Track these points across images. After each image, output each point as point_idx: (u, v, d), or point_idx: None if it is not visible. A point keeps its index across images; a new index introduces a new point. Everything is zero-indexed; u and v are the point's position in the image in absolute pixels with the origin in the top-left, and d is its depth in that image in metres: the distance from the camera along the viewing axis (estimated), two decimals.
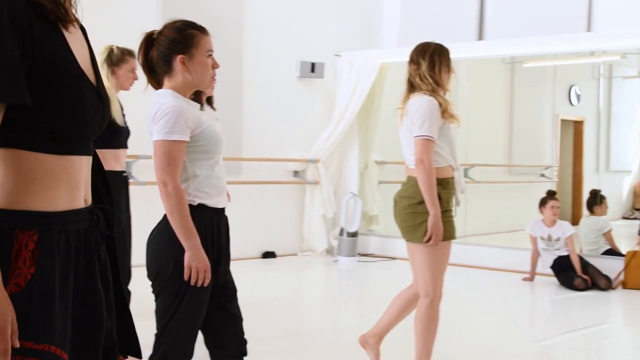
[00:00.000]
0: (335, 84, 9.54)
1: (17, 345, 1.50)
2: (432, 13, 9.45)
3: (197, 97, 5.06)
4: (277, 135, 9.23)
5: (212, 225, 2.87)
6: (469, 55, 8.89)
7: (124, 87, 4.38)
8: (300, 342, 4.05)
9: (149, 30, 2.89)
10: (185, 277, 2.74)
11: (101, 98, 1.72)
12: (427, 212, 3.65)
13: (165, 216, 2.81)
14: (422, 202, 3.69)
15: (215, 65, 2.89)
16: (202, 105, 5.10)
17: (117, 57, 4.34)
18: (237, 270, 8.76)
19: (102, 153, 4.24)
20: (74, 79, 1.63)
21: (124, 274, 4.26)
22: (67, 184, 1.63)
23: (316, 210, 9.32)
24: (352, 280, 8.18)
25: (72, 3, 1.67)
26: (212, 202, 2.87)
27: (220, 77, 9.79)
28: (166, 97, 2.79)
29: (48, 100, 1.57)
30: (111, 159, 4.31)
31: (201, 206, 2.83)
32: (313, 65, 9.33)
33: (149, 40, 2.86)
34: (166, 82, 2.85)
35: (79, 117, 1.63)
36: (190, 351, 2.88)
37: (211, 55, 2.87)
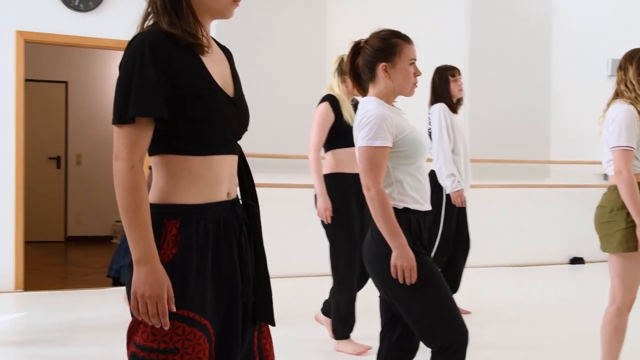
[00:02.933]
0: None
1: (174, 309, 1.84)
2: None
3: (451, 105, 5.31)
4: (587, 136, 8.91)
5: (418, 226, 2.92)
6: None
7: (354, 93, 4.59)
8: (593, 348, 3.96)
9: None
10: (393, 275, 2.81)
11: (236, 106, 2.03)
12: (622, 220, 3.62)
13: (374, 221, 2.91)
14: (613, 210, 3.67)
15: (417, 73, 2.98)
16: (456, 112, 5.43)
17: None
18: (543, 276, 8.54)
19: (337, 153, 4.63)
20: (208, 92, 1.96)
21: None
22: (209, 180, 1.97)
23: None
24: None
25: (204, 33, 2.00)
26: (417, 206, 2.92)
27: (527, 78, 9.68)
28: (370, 105, 2.92)
29: (186, 112, 1.92)
30: (347, 159, 4.57)
31: (406, 209, 2.90)
32: None
33: (356, 49, 3.02)
34: (371, 89, 3.00)
35: (214, 123, 1.96)
36: (461, 330, 2.84)
37: (414, 63, 2.97)
